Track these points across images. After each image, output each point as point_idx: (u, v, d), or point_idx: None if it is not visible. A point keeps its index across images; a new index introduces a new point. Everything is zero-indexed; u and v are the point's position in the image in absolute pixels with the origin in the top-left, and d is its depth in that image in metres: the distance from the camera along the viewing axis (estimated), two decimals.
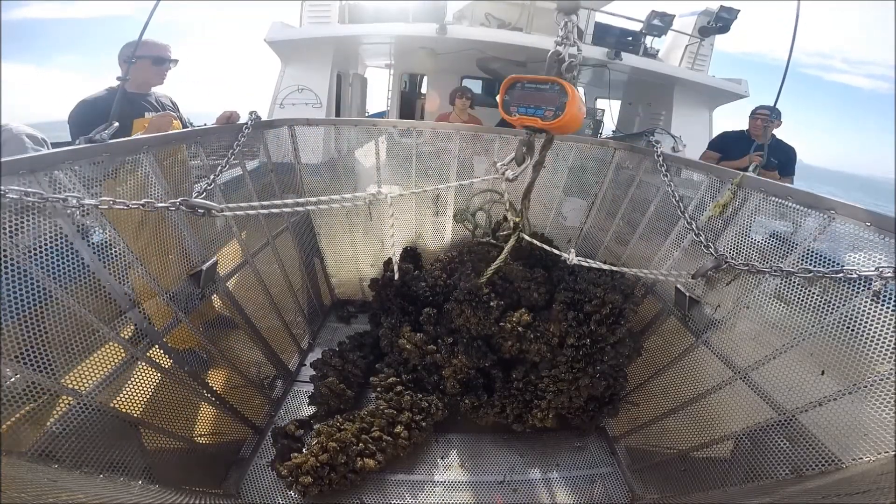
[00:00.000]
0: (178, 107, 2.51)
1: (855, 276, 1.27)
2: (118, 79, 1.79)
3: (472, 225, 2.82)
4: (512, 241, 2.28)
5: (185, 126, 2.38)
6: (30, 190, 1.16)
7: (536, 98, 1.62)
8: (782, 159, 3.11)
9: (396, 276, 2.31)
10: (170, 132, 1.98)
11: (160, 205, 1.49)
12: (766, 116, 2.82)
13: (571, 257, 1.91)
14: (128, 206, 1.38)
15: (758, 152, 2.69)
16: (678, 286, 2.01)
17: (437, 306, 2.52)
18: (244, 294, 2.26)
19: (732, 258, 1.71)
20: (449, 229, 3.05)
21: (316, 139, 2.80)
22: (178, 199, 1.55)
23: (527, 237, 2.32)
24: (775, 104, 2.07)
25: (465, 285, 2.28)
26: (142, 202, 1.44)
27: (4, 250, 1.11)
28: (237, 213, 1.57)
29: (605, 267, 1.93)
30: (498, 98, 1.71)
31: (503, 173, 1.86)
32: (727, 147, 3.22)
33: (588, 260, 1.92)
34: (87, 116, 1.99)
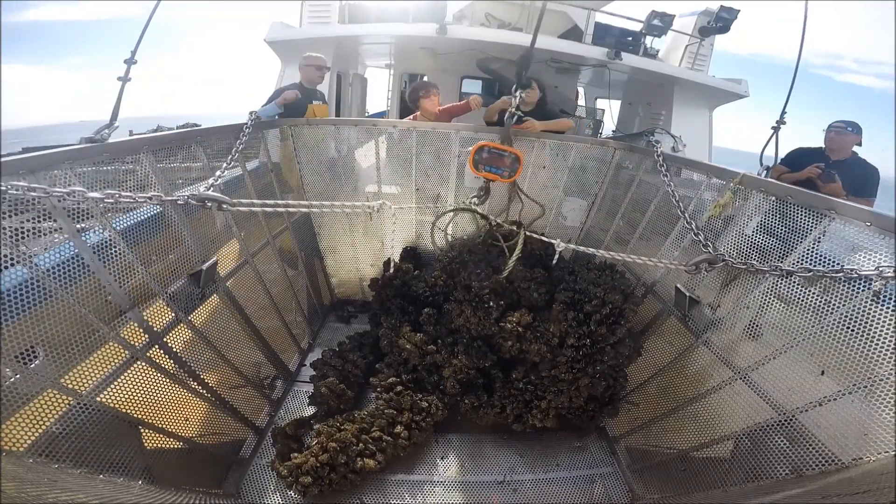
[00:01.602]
0: (325, 97, 3.70)
1: (855, 276, 1.27)
2: (300, 82, 3.30)
3: (444, 239, 2.83)
4: (522, 234, 2.40)
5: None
6: (33, 185, 1.15)
7: (497, 161, 2.36)
8: (859, 178, 2.81)
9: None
10: (170, 132, 1.98)
11: (168, 198, 1.46)
12: (841, 129, 2.79)
13: (559, 243, 2.11)
14: (135, 199, 1.36)
15: (817, 164, 2.73)
16: (678, 286, 2.01)
17: (437, 306, 2.52)
18: (244, 294, 2.25)
19: (732, 258, 1.71)
20: (448, 230, 3.05)
21: (316, 139, 2.80)
22: (187, 194, 1.51)
23: (526, 231, 2.37)
24: (784, 108, 2.05)
25: (481, 284, 2.28)
26: (149, 195, 1.40)
27: (4, 250, 1.10)
28: (252, 209, 1.53)
29: (597, 252, 2.09)
30: (469, 157, 2.36)
31: (470, 201, 2.52)
32: (797, 162, 3.06)
33: (580, 247, 2.04)
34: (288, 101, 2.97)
